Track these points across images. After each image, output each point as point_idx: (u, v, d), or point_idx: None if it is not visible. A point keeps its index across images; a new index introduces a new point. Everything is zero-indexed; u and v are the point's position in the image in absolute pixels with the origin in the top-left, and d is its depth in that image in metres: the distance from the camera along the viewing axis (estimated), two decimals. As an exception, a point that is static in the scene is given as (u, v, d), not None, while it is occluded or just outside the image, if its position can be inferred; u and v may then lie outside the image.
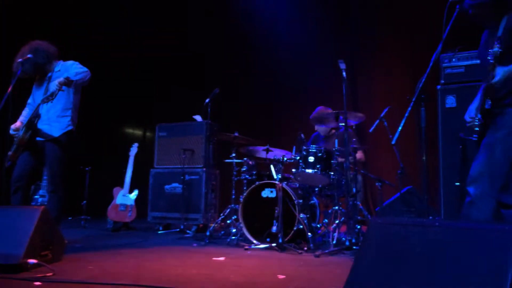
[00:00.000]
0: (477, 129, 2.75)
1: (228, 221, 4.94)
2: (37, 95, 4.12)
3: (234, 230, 4.66)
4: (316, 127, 5.40)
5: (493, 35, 2.68)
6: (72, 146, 4.07)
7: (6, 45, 5.03)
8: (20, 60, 3.87)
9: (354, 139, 4.92)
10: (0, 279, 2.51)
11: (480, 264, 1.64)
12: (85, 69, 4.04)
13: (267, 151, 4.87)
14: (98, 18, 7.75)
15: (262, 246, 4.15)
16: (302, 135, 4.52)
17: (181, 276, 2.86)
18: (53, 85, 3.80)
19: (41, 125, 3.97)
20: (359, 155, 5.12)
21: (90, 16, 7.70)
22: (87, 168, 6.31)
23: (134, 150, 6.20)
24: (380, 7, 6.95)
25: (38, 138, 3.97)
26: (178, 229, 5.51)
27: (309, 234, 4.09)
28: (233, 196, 4.93)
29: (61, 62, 4.17)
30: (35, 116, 3.93)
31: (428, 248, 1.83)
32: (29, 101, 4.23)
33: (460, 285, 1.65)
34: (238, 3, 7.77)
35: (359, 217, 4.32)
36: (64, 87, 3.83)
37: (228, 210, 4.94)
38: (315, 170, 4.33)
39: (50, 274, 2.63)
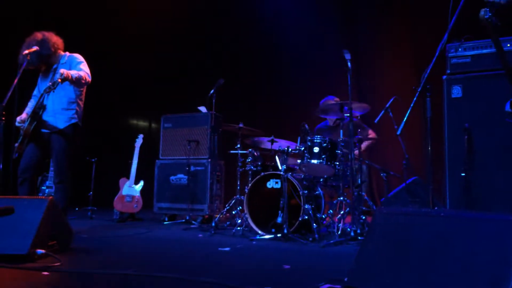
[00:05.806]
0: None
1: (234, 212, 4.96)
2: (42, 86, 4.10)
3: (239, 221, 4.68)
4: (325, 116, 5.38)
5: None
6: (77, 138, 4.08)
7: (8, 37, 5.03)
8: (25, 52, 3.84)
9: (359, 130, 4.92)
10: (8, 269, 2.54)
11: (484, 254, 1.64)
12: (87, 74, 3.99)
13: (272, 142, 4.87)
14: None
15: (267, 236, 4.17)
16: (306, 126, 4.51)
17: (187, 266, 2.89)
18: (58, 77, 3.80)
19: (46, 117, 3.98)
20: (365, 144, 5.12)
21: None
22: (93, 159, 6.35)
23: (139, 141, 6.22)
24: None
25: (43, 130, 3.98)
26: (183, 220, 5.54)
27: (314, 224, 4.10)
28: (238, 187, 4.95)
29: (67, 54, 4.15)
30: (40, 107, 3.94)
31: (433, 238, 1.83)
32: (35, 92, 4.23)
33: (463, 274, 1.66)
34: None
35: (364, 208, 4.33)
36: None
37: (233, 201, 4.96)
38: (320, 160, 4.34)
39: (58, 264, 2.66)
